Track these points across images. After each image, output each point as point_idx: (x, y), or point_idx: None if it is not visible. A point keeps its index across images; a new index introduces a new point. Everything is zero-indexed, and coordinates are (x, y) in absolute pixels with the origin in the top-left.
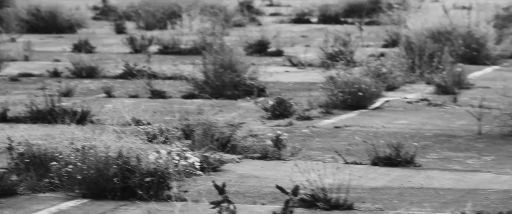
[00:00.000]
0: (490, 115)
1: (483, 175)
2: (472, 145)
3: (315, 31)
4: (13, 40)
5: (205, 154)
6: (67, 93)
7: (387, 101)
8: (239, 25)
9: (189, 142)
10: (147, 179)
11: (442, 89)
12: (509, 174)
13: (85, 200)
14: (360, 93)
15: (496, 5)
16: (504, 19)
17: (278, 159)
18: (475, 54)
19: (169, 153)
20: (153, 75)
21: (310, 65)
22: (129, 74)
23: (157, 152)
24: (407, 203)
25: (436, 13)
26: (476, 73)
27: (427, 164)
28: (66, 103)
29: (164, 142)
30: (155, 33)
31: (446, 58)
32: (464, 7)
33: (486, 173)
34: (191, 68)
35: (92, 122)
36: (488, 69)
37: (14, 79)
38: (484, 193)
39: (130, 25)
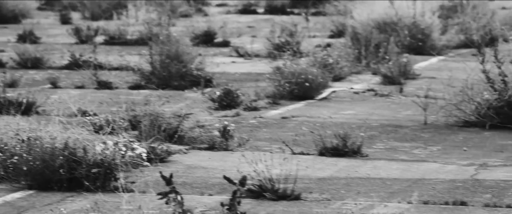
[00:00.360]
0: (435, 105)
1: (429, 164)
2: (418, 135)
3: (261, 22)
4: None
5: (152, 145)
6: (12, 84)
7: (334, 91)
8: (185, 15)
9: (136, 132)
10: (94, 170)
11: (388, 80)
12: (454, 163)
13: (31, 191)
14: (307, 84)
15: None
16: (448, 9)
17: (226, 149)
18: (420, 44)
19: (116, 144)
20: (99, 66)
21: (257, 56)
22: (75, 65)
23: (104, 143)
24: (354, 193)
25: (382, 4)
26: (421, 64)
27: (374, 154)
28: (11, 94)
29: (110, 133)
30: (101, 23)
31: (392, 48)
32: None
33: (432, 162)
34: (138, 59)
35: (37, 113)
36: (433, 60)
37: None
38: (430, 183)
39: (75, 16)
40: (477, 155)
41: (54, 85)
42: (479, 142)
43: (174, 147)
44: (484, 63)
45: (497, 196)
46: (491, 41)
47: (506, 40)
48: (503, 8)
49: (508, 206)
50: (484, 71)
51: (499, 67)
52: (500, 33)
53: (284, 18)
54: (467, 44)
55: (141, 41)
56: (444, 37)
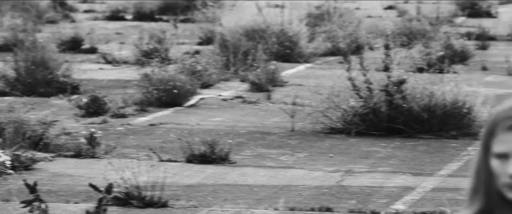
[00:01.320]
0: (303, 112)
1: (296, 171)
2: (286, 141)
3: (130, 28)
4: None
5: (16, 153)
6: None
7: (202, 98)
8: (52, 21)
9: None
10: None
11: (256, 87)
12: (321, 170)
13: None
14: (175, 91)
15: (309, 4)
16: (316, 17)
17: (92, 157)
18: (288, 52)
19: None
20: None
21: (125, 62)
22: None
23: None
24: (221, 199)
25: (250, 11)
26: (289, 71)
27: (242, 161)
28: None
29: None
30: None
31: (260, 56)
32: (277, 6)
33: (299, 169)
34: (2, 65)
35: None
36: (301, 67)
37: None
38: (297, 189)
39: None
40: (343, 161)
41: None
42: (345, 148)
43: (39, 155)
44: (350, 70)
45: (362, 202)
46: (357, 49)
47: (371, 48)
48: (369, 16)
49: (373, 212)
50: (350, 79)
51: (365, 75)
52: (365, 41)
53: (153, 24)
54: (333, 52)
55: (5, 47)
56: (311, 44)
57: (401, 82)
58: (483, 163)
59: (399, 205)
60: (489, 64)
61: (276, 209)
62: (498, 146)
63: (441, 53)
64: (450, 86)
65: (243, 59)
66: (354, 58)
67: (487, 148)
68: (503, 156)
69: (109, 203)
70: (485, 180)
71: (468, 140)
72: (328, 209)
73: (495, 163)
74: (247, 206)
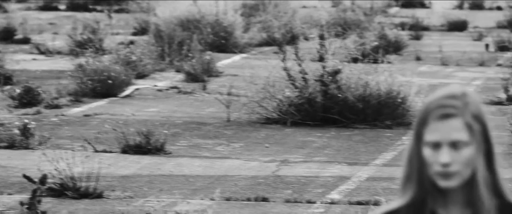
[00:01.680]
0: (238, 102)
1: (232, 161)
2: (221, 132)
3: (63, 19)
4: None
5: None
6: None
7: (137, 89)
8: None
9: None
10: None
11: (192, 77)
12: (257, 160)
13: None
14: (110, 81)
15: None
16: (251, 7)
17: (26, 148)
18: (223, 42)
19: None
20: None
21: (59, 53)
22: None
23: None
24: (157, 190)
25: (185, 2)
26: (224, 61)
27: (177, 152)
28: None
29: None
30: None
31: (195, 46)
32: None
33: (235, 159)
34: None
35: None
36: (236, 57)
37: None
38: (233, 180)
39: None
40: (278, 151)
41: None
42: (281, 138)
43: None
44: (285, 61)
45: (297, 191)
46: (292, 39)
47: (306, 39)
48: (304, 7)
49: (308, 202)
50: (285, 69)
51: (300, 65)
52: (300, 31)
53: (87, 15)
54: (269, 42)
55: None
56: (246, 35)
57: (336, 72)
58: (415, 152)
59: (334, 195)
60: (422, 54)
61: (212, 199)
62: (429, 135)
63: (376, 43)
64: (384, 77)
65: (178, 49)
66: (289, 49)
67: (419, 137)
68: (434, 145)
69: (44, 194)
70: (418, 169)
71: (402, 129)
72: (264, 199)
73: (427, 152)
74: (183, 196)
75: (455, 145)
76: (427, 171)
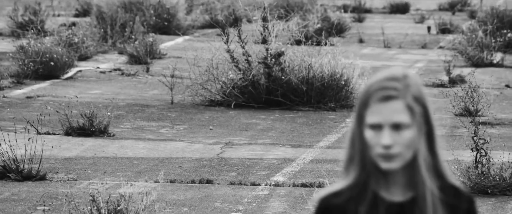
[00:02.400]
0: (182, 85)
1: (176, 144)
2: (165, 114)
3: (3, 0)
4: None
5: None
6: None
7: (79, 71)
8: None
9: None
10: None
11: (135, 59)
12: (201, 142)
13: None
14: (52, 63)
15: None
16: None
17: None
18: (166, 24)
19: None
20: None
21: (0, 34)
22: None
23: None
24: (100, 172)
25: None
26: (167, 43)
27: (121, 134)
28: None
29: None
30: None
31: (138, 28)
32: None
33: (179, 142)
34: None
35: None
36: (179, 40)
37: None
38: (177, 162)
39: None
40: (223, 133)
41: None
42: (225, 121)
43: None
44: (228, 43)
45: (242, 174)
46: (235, 22)
47: (249, 21)
48: None
49: (253, 184)
50: (228, 51)
51: (243, 47)
52: (243, 13)
53: None
54: (212, 24)
55: None
56: (189, 17)
57: (279, 54)
58: (357, 134)
59: (279, 177)
60: (365, 36)
61: (156, 182)
62: (371, 117)
63: (318, 25)
64: (327, 59)
65: (120, 31)
66: (232, 31)
67: (361, 119)
68: (376, 127)
69: None
70: (360, 151)
71: (345, 111)
72: (209, 181)
73: (369, 134)
74: (127, 178)
75: (396, 127)
76: (369, 153)
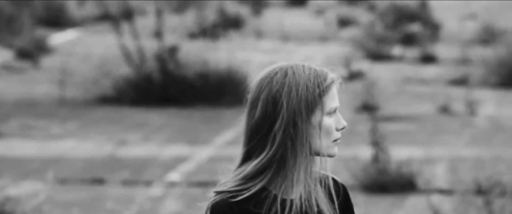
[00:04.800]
0: (73, 81)
1: (66, 142)
2: (55, 111)
3: None
4: None
5: None
6: None
7: None
8: None
9: None
10: None
11: (23, 54)
12: (92, 140)
13: None
14: None
15: None
16: None
17: None
18: (57, 17)
19: None
20: None
21: None
22: None
23: None
24: None
25: None
26: (57, 38)
27: (8, 132)
28: None
29: None
30: None
31: (26, 21)
32: None
33: (70, 140)
34: None
35: None
36: (70, 33)
37: None
38: (68, 161)
39: None
40: (116, 131)
41: None
42: (118, 118)
43: None
44: (121, 37)
45: (135, 172)
46: (128, 15)
47: (144, 14)
48: None
49: (147, 183)
50: (121, 46)
51: (136, 41)
52: (137, 6)
53: None
54: (104, 17)
55: None
56: (80, 10)
57: (174, 49)
58: (306, 128)
59: (174, 175)
60: (263, 29)
61: (45, 182)
62: (331, 102)
63: (215, 19)
64: (224, 53)
65: (7, 25)
66: (125, 25)
67: (315, 110)
68: (333, 112)
69: None
70: (305, 147)
71: (243, 108)
72: (100, 181)
73: (328, 121)
74: (14, 179)
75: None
76: (317, 146)
